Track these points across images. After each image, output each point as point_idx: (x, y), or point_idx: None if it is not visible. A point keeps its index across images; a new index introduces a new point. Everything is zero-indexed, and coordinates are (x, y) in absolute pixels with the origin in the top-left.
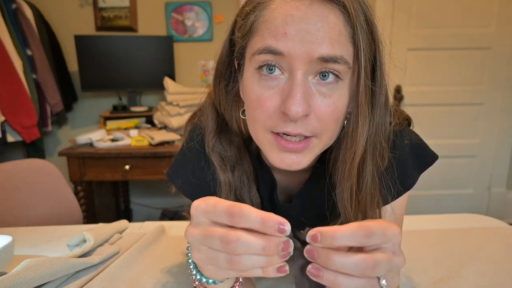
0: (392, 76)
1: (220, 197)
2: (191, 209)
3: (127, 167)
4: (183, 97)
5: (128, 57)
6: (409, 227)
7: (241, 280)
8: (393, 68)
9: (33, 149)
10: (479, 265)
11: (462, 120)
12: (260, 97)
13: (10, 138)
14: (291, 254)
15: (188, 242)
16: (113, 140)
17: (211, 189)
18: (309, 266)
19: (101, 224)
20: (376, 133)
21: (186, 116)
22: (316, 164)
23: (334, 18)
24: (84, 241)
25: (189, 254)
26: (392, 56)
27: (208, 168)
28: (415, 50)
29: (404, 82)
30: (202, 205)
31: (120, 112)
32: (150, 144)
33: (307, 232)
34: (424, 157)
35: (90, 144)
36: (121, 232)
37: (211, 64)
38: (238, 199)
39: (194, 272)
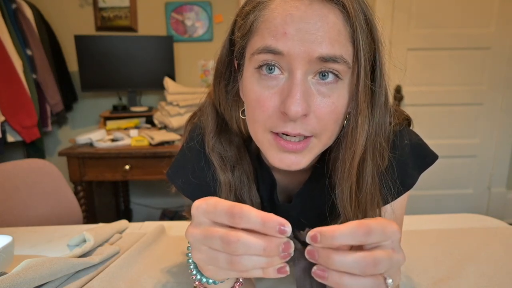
0: (392, 76)
1: (220, 197)
2: (192, 209)
3: (127, 167)
4: (183, 97)
5: (128, 57)
6: (409, 227)
7: (241, 280)
8: (393, 68)
9: (33, 149)
10: (479, 265)
11: (462, 120)
12: (260, 97)
13: (10, 138)
14: (292, 255)
15: (188, 242)
16: (113, 140)
17: (211, 189)
18: (314, 268)
19: (101, 224)
20: (376, 133)
21: (186, 116)
22: (316, 164)
23: (334, 17)
24: (84, 241)
25: (190, 254)
26: (392, 56)
27: (208, 168)
28: (415, 50)
29: (404, 82)
30: (202, 205)
31: (120, 112)
32: (150, 144)
33: (306, 232)
34: (424, 157)
35: (90, 144)
36: (121, 232)
37: (211, 64)
38: (238, 199)
39: (194, 272)
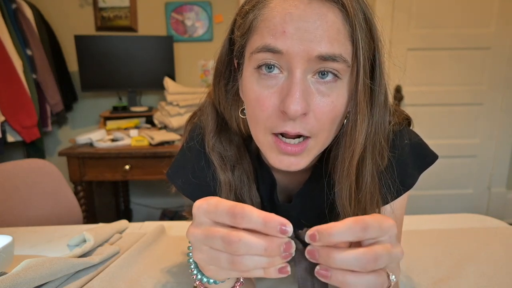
0: (392, 76)
1: (220, 197)
2: (193, 209)
3: (127, 167)
4: (183, 97)
5: (128, 57)
6: (409, 227)
7: (242, 280)
8: (393, 68)
9: (33, 149)
10: (479, 265)
11: (462, 120)
12: (260, 97)
13: (10, 138)
14: (293, 255)
15: (189, 242)
16: (113, 140)
17: (211, 189)
18: (317, 267)
19: (101, 224)
20: (376, 132)
21: (186, 116)
22: (316, 163)
23: (333, 16)
24: (84, 241)
25: (190, 254)
26: (392, 56)
27: (208, 167)
28: (415, 50)
29: (404, 82)
30: (204, 205)
31: (120, 112)
32: (150, 144)
33: (305, 232)
34: (424, 157)
35: (90, 144)
36: (121, 232)
37: (211, 64)
38: (238, 198)
39: (195, 272)
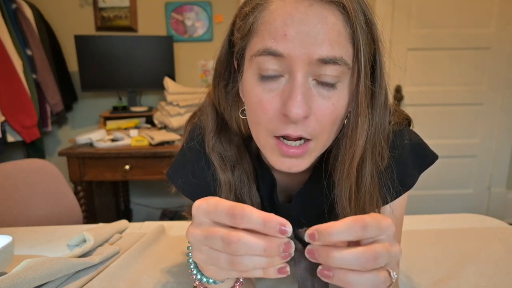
0: (392, 76)
1: (220, 197)
2: (193, 209)
3: (127, 167)
4: (183, 97)
5: (128, 57)
6: (409, 227)
7: (241, 280)
8: (393, 68)
9: (33, 149)
10: (479, 265)
11: (462, 120)
12: (261, 100)
13: (10, 138)
14: (292, 255)
15: (189, 242)
16: (113, 140)
17: (211, 189)
18: (319, 267)
19: (101, 224)
20: (376, 133)
21: (186, 116)
22: (317, 164)
23: (334, 18)
24: (84, 241)
25: (190, 254)
26: (392, 56)
27: (208, 168)
28: (415, 50)
29: (404, 82)
30: (203, 205)
31: (120, 112)
32: (150, 144)
33: (304, 231)
34: (424, 157)
35: (90, 144)
36: (121, 232)
37: (211, 64)
38: (238, 199)
39: (194, 272)
